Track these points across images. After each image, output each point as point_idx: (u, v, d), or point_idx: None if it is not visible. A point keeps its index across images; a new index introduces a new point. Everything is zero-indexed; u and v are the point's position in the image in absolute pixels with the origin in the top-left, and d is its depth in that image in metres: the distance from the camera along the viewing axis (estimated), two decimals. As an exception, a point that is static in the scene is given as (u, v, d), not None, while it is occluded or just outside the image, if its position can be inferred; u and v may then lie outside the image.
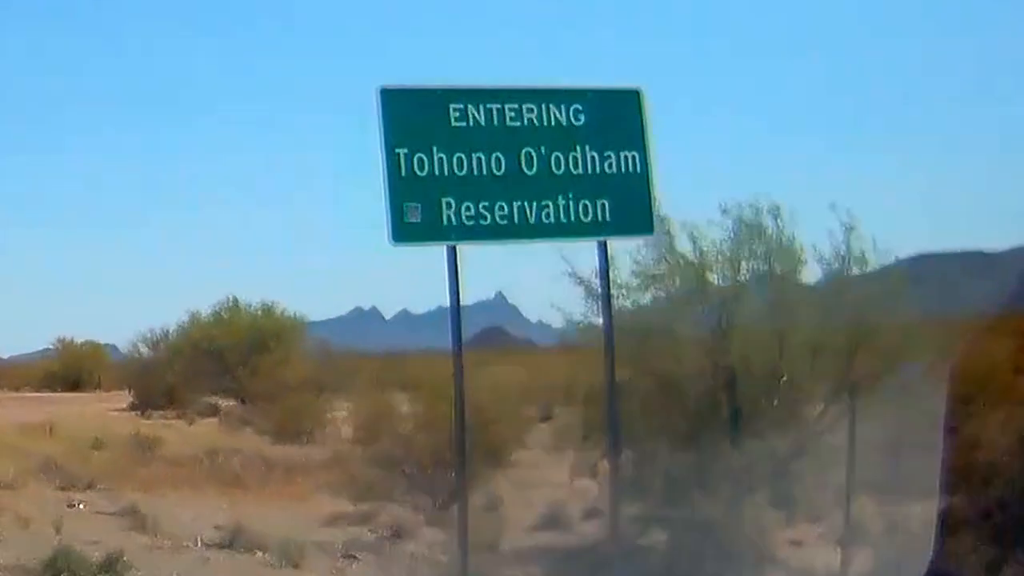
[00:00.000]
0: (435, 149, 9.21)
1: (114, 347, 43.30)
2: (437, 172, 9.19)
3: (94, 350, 41.60)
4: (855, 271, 13.47)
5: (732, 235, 13.57)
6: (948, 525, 10.77)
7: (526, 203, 9.39)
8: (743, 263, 13.66)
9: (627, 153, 9.72)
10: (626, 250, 12.72)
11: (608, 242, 9.91)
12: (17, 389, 37.63)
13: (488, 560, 11.64)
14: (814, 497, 13.38)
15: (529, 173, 9.43)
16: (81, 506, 15.59)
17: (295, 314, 32.23)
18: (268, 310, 31.69)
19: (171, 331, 33.18)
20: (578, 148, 9.58)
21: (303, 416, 24.37)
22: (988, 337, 14.61)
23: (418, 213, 9.11)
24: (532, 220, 9.41)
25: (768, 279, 13.71)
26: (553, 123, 9.57)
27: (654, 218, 10.29)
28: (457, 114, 9.34)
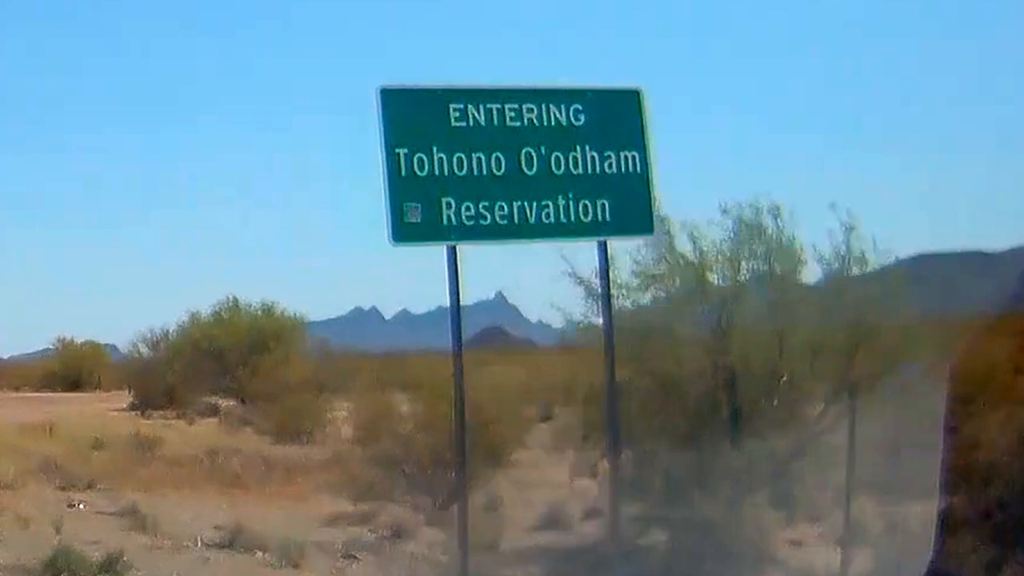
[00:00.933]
0: (435, 149, 9.21)
1: (114, 347, 43.28)
2: (437, 172, 9.19)
3: (94, 350, 41.55)
4: (855, 271, 13.47)
5: (732, 235, 13.58)
6: (948, 525, 10.77)
7: (526, 203, 9.39)
8: (743, 263, 13.67)
9: (627, 153, 9.73)
10: (626, 250, 12.74)
11: (608, 242, 9.91)
12: (17, 389, 37.61)
13: (488, 560, 11.64)
14: (814, 497, 13.39)
15: (529, 173, 9.43)
16: (81, 506, 15.59)
17: (295, 314, 32.22)
18: (268, 310, 31.68)
19: (171, 331, 33.17)
20: (578, 148, 9.58)
21: (303, 416, 24.37)
22: (988, 337, 14.61)
23: (418, 213, 9.11)
24: (532, 220, 9.41)
25: (768, 279, 13.72)
26: (553, 123, 9.57)
27: (654, 218, 10.29)
28: (457, 114, 9.35)
